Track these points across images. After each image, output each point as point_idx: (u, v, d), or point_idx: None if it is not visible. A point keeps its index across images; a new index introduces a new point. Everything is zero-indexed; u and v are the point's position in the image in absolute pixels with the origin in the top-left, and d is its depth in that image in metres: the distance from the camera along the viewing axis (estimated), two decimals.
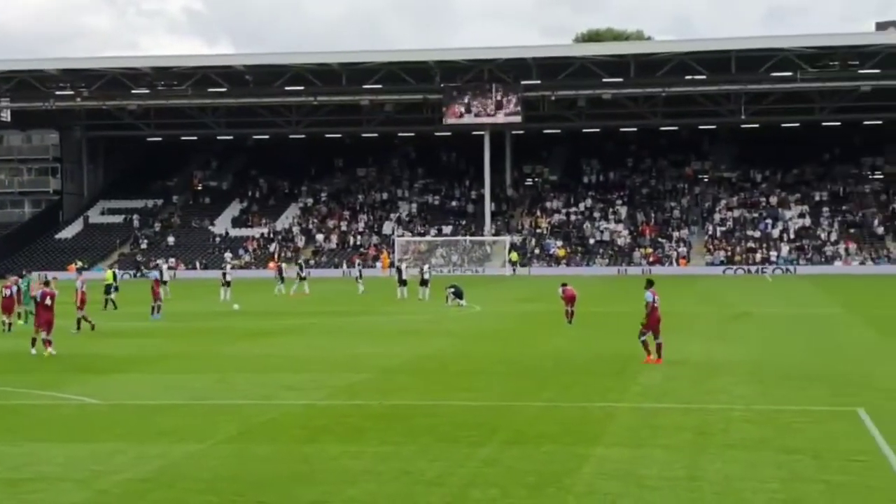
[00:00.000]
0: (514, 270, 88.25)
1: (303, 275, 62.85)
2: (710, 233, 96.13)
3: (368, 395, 23.54)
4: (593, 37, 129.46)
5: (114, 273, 54.87)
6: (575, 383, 25.02)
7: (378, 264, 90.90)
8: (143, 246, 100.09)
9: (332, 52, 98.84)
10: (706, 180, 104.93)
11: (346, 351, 32.21)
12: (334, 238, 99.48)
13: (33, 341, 32.48)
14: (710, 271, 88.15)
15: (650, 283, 29.01)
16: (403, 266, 60.53)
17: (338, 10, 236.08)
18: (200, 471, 16.30)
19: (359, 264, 72.73)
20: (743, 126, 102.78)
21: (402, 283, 57.65)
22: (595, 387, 24.39)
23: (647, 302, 28.43)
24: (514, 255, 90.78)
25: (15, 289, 41.04)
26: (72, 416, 21.63)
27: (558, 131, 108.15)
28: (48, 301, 31.96)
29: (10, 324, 40.02)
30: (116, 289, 52.32)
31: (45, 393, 24.34)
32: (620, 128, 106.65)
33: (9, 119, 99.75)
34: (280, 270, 65.08)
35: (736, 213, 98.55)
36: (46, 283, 34.01)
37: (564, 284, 41.54)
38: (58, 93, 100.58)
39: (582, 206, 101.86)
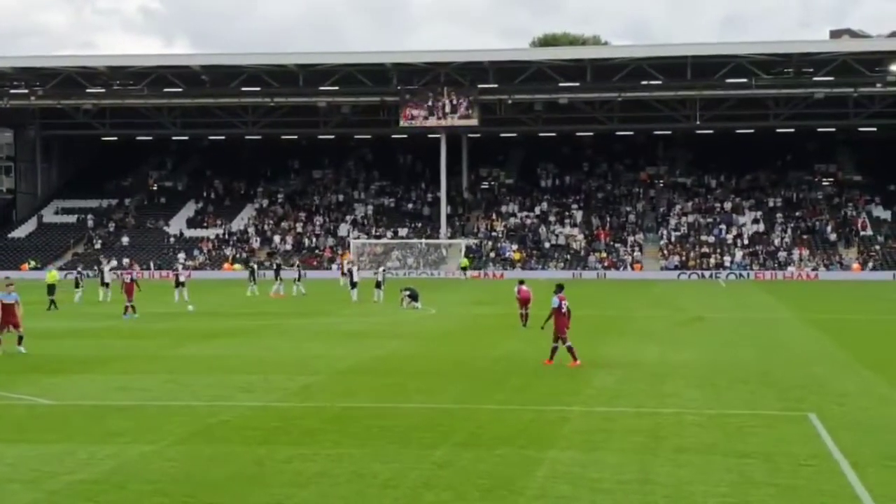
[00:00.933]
0: (465, 275, 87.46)
1: (296, 276, 63.80)
2: (664, 237, 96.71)
3: (322, 397, 23.49)
4: (550, 41, 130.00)
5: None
6: (528, 386, 25.07)
7: (335, 266, 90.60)
8: (98, 246, 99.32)
9: (289, 52, 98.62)
10: (661, 185, 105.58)
11: (300, 353, 32.11)
12: (290, 239, 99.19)
13: None
14: (664, 276, 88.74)
15: (560, 288, 29.05)
16: (355, 269, 60.42)
17: (295, 10, 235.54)
18: (152, 472, 16.21)
19: (298, 266, 70.64)
20: (698, 132, 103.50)
21: (353, 285, 57.63)
22: (549, 390, 24.44)
23: (552, 307, 28.42)
24: (465, 261, 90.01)
25: None
26: (21, 416, 21.42)
27: (514, 135, 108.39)
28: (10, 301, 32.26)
29: None
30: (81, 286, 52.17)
31: None
32: (577, 132, 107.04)
33: None
34: (253, 272, 64.77)
35: (690, 217, 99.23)
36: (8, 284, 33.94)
37: (521, 282, 41.70)
38: (12, 91, 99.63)
39: (538, 209, 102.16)
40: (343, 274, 73.57)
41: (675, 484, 15.44)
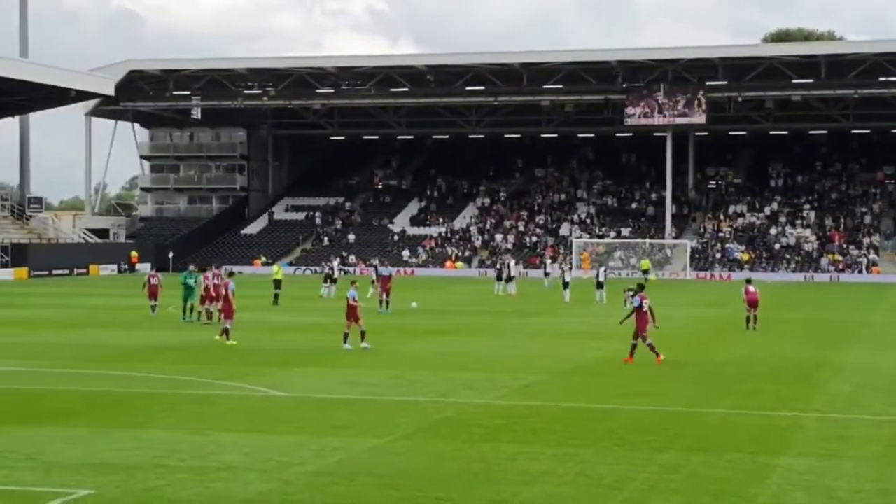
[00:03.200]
0: (646, 278, 75.12)
1: (512, 274, 62.62)
2: None
3: (545, 397, 23.42)
4: (782, 37, 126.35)
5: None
6: (759, 391, 24.40)
7: (562, 264, 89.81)
8: (325, 243, 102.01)
9: (513, 52, 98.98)
10: None
11: (521, 352, 32.14)
12: (511, 238, 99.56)
13: (225, 332, 33.64)
14: None
15: (641, 288, 30.42)
16: (567, 269, 59.80)
17: (519, 9, 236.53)
18: (380, 466, 16.44)
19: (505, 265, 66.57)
20: None
21: (566, 285, 56.41)
22: (780, 395, 23.74)
23: (634, 306, 29.51)
24: (646, 263, 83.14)
25: (215, 281, 41.42)
26: (257, 407, 22.12)
27: (744, 133, 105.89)
28: (229, 291, 33.83)
29: (210, 312, 41.03)
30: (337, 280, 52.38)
31: (233, 384, 24.98)
32: (809, 130, 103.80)
33: (199, 117, 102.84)
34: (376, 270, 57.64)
35: None
36: (231, 275, 35.64)
37: (748, 281, 40.67)
38: (246, 92, 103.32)
39: (767, 209, 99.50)
40: (546, 274, 72.90)
41: None
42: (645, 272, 79.78)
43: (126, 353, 31.48)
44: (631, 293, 50.48)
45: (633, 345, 29.22)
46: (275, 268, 56.12)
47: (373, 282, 54.75)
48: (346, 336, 32.08)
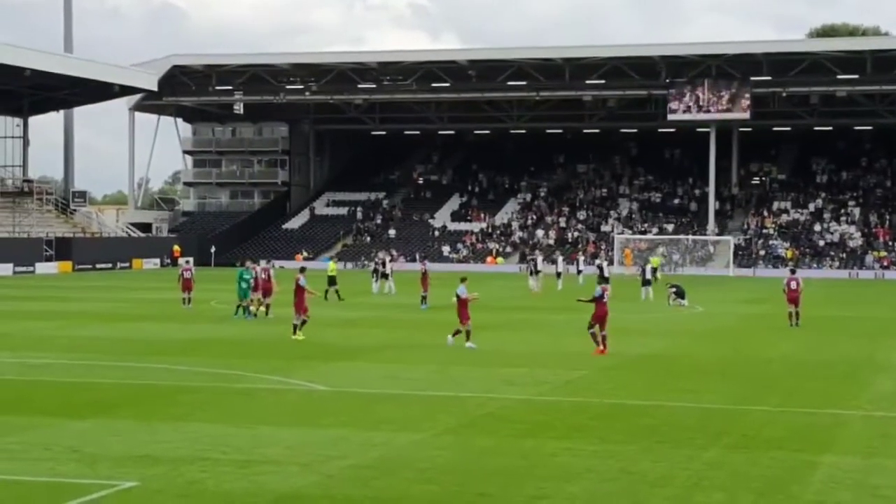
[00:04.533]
0: (654, 278, 61.19)
1: (559, 270, 63.24)
2: None
3: (587, 393, 23.34)
4: (828, 31, 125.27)
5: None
6: (802, 388, 24.22)
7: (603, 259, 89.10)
8: (368, 240, 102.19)
9: (555, 46, 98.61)
10: None
11: (561, 348, 32.00)
12: (553, 234, 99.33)
13: (294, 328, 33.89)
14: None
15: (605, 280, 32.30)
16: (605, 264, 59.15)
17: (562, 4, 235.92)
18: (421, 460, 16.44)
19: (530, 260, 67.43)
20: None
21: (605, 280, 55.70)
22: (824, 393, 23.57)
23: (594, 296, 30.19)
24: (656, 260, 73.81)
25: (264, 275, 41.71)
26: (299, 401, 22.18)
27: (788, 129, 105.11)
28: (303, 285, 34.40)
29: (266, 306, 41.16)
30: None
31: (275, 378, 25.07)
32: (854, 126, 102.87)
33: (241, 112, 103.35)
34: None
35: None
36: (302, 270, 35.99)
37: (792, 272, 40.51)
38: (288, 87, 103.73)
39: (811, 206, 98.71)
40: (578, 272, 71.22)
41: None
42: (654, 270, 66.74)
43: (168, 346, 31.69)
44: (674, 290, 50.53)
45: (591, 333, 30.12)
46: (330, 264, 55.18)
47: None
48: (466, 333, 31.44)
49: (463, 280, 33.06)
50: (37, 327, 37.75)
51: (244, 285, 41.15)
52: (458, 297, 31.89)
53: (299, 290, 34.25)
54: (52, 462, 16.12)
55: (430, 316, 42.62)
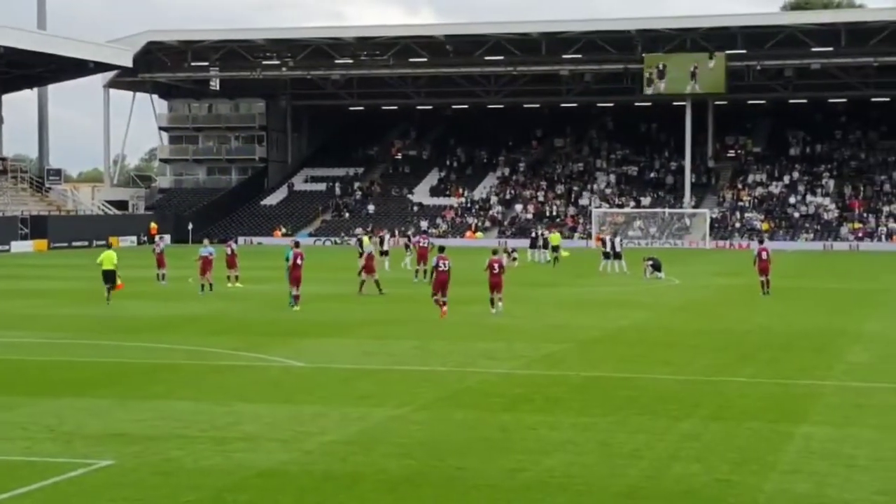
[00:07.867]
0: (556, 258, 62.35)
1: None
2: None
3: (566, 366, 23.44)
4: (802, 5, 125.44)
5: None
6: (777, 359, 24.39)
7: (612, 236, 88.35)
8: (346, 216, 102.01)
9: (532, 21, 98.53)
10: None
11: (542, 321, 32.14)
12: (531, 208, 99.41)
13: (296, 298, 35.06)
14: None
15: (441, 249, 34.59)
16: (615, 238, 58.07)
17: None
18: (399, 435, 16.49)
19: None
20: None
21: (617, 256, 55.02)
22: (798, 364, 23.74)
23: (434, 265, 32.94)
24: (556, 237, 66.31)
25: (228, 250, 43.49)
26: (277, 377, 22.19)
27: (763, 102, 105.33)
28: (299, 261, 35.65)
29: (235, 277, 43.36)
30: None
31: (252, 355, 25.05)
32: (829, 99, 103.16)
33: (217, 88, 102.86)
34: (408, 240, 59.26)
35: None
36: (297, 245, 37.25)
37: (761, 241, 41.10)
38: (265, 62, 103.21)
39: (786, 178, 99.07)
40: (535, 247, 67.43)
41: None
42: (555, 248, 63.68)
43: (146, 324, 31.61)
44: (651, 263, 50.67)
45: (434, 300, 32.66)
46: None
47: (406, 246, 56.80)
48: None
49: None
50: (13, 306, 37.57)
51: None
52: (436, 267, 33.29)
53: (296, 264, 35.44)
54: (29, 441, 16.09)
55: (412, 291, 42.61)
